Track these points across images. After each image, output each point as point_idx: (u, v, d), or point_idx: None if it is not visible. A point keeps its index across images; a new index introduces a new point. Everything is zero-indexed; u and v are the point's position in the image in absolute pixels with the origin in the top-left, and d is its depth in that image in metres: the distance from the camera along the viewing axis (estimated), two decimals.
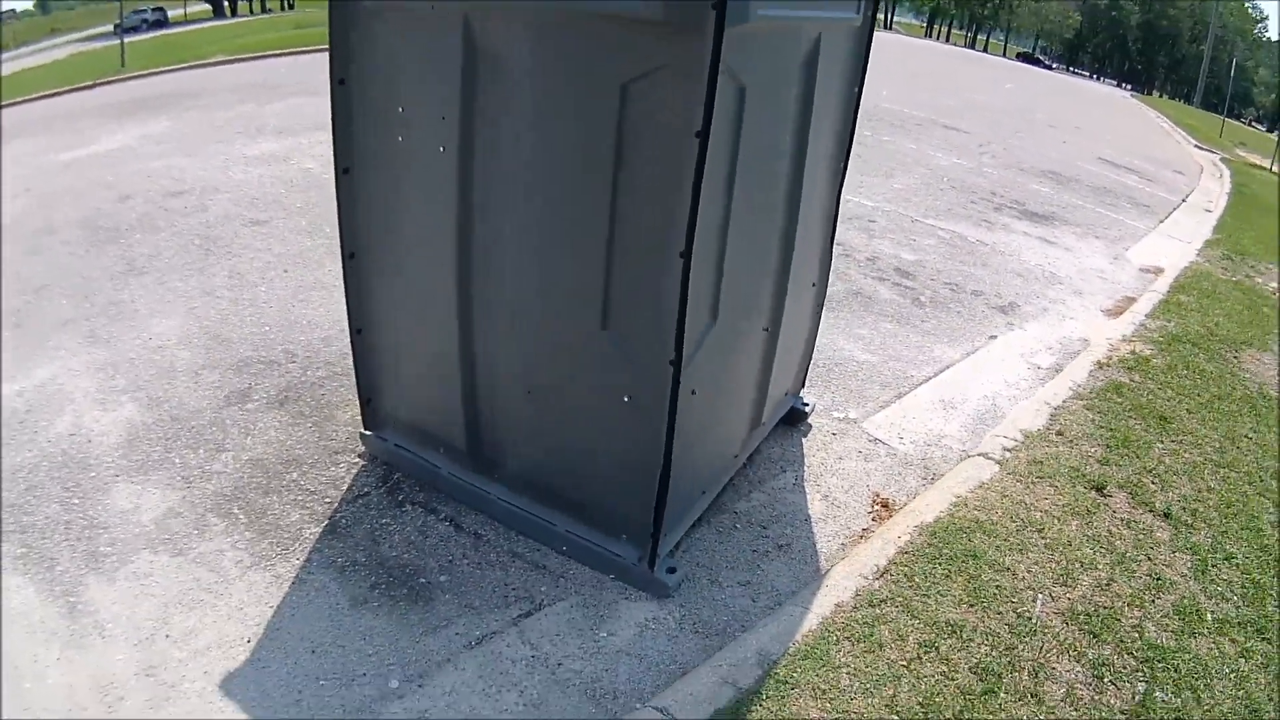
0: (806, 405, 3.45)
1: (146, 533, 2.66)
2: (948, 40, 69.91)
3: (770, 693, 2.11)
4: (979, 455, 3.37)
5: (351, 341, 2.90)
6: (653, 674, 2.24)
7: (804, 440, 3.39)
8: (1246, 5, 74.08)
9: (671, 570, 2.50)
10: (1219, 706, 2.29)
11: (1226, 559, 2.96)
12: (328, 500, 2.83)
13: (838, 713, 2.06)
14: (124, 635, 2.28)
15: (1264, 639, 2.60)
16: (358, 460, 3.05)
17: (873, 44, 3.00)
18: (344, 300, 2.82)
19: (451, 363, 2.62)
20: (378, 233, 2.68)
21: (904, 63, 21.77)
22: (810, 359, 3.50)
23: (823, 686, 2.13)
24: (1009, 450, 3.44)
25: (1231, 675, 2.40)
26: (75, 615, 2.34)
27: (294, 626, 2.31)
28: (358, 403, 3.02)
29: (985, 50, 66.90)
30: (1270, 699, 2.36)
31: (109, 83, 17.76)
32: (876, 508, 3.04)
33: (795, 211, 2.73)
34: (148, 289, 4.54)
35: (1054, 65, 63.21)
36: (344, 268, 2.77)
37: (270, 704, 2.08)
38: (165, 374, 3.64)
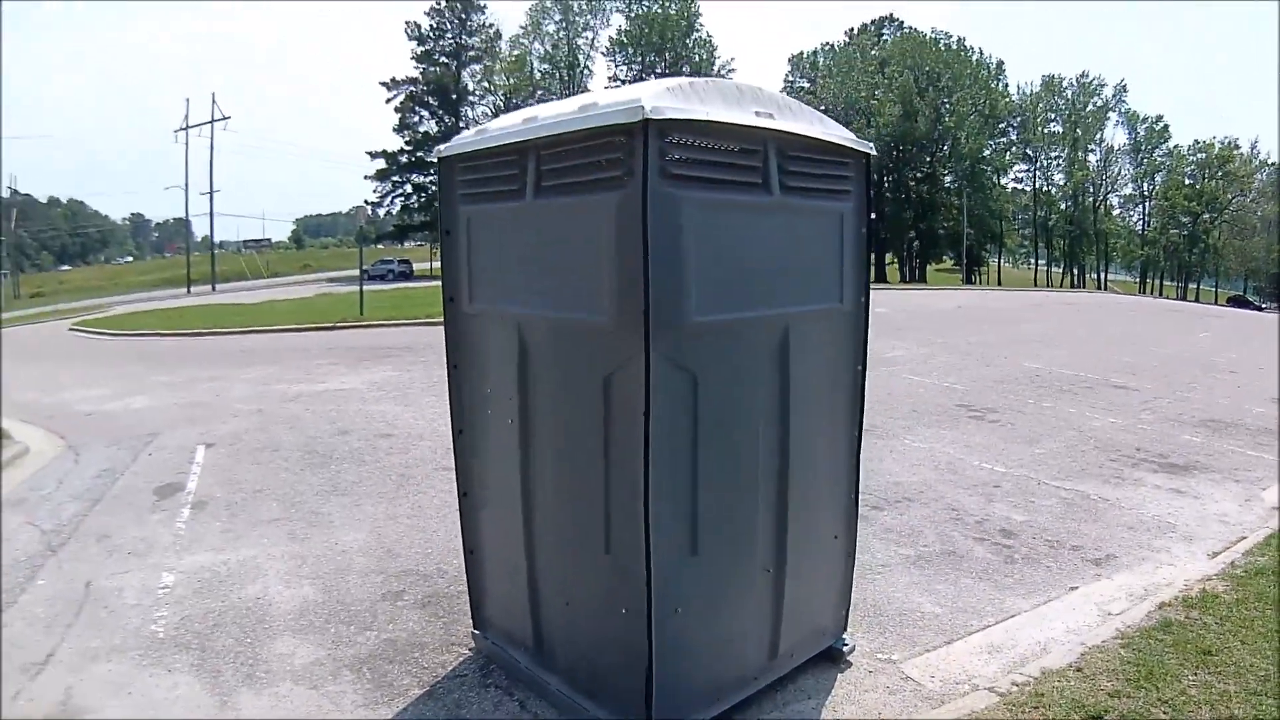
0: (845, 645, 4.40)
1: (294, 671, 4.20)
2: (1160, 294, 71.45)
3: None
4: (986, 689, 4.07)
5: (465, 560, 4.39)
6: None
7: (839, 675, 4.31)
8: None
9: None
10: None
11: None
12: (434, 675, 4.23)
13: None
14: None
15: None
16: (467, 651, 4.46)
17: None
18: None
19: (521, 579, 3.95)
20: (479, 478, 4.18)
21: (1098, 325, 23.84)
22: (848, 605, 4.41)
23: None
24: (1017, 685, 4.09)
25: None
26: (224, 709, 3.89)
27: None
28: None
29: (1196, 299, 68.98)
30: None
31: (348, 327, 23.20)
32: None
33: (784, 477, 3.77)
34: (344, 508, 6.69)
35: (1264, 305, 62.60)
36: (460, 504, 4.30)
37: None
38: (341, 571, 5.46)
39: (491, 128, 4.00)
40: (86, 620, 5.17)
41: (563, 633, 3.93)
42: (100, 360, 20.96)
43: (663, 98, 3.14)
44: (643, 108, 3.00)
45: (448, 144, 4.16)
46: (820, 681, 4.29)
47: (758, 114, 3.47)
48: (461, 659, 4.47)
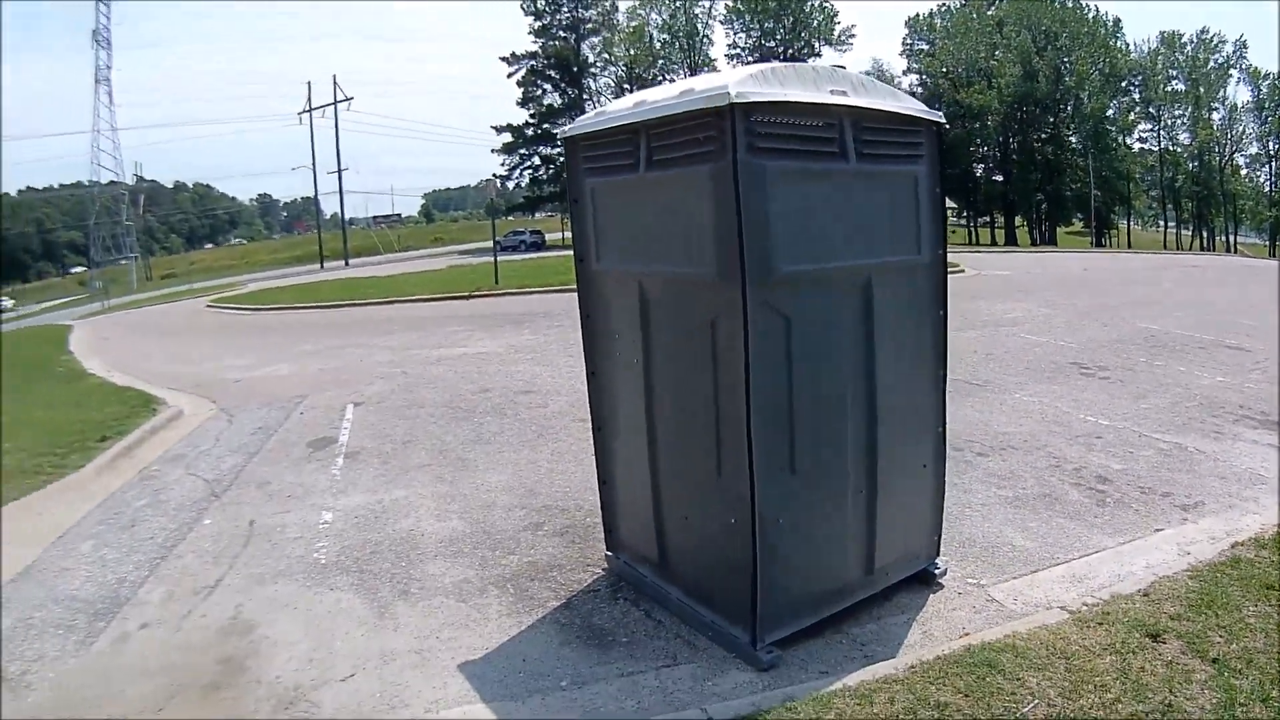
0: (938, 569, 5.02)
1: (444, 587, 5.04)
2: None
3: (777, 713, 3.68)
4: (1058, 607, 4.60)
5: (599, 488, 5.20)
6: (723, 703, 3.89)
7: (931, 595, 4.93)
8: None
9: (769, 653, 4.16)
10: None
11: (1262, 700, 3.73)
12: (570, 590, 5.03)
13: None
14: (410, 632, 4.58)
15: None
16: (600, 571, 5.25)
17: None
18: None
19: (647, 502, 4.71)
20: (610, 414, 4.98)
21: (1220, 287, 23.68)
22: (939, 532, 5.03)
23: (815, 714, 3.66)
24: (1087, 606, 4.61)
25: None
26: (382, 618, 4.75)
27: (517, 647, 4.38)
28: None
29: None
30: None
31: (484, 296, 24.57)
32: (958, 640, 4.37)
33: (872, 409, 4.41)
34: (488, 454, 7.72)
35: None
36: (594, 438, 5.12)
37: (482, 676, 4.14)
38: (486, 506, 6.36)
39: (609, 110, 4.81)
40: (252, 552, 6.31)
41: (682, 548, 4.72)
42: (240, 333, 22.89)
43: (746, 84, 3.84)
44: (728, 93, 3.72)
45: (571, 124, 5.01)
46: (913, 599, 4.95)
47: (832, 92, 4.13)
48: (595, 577, 5.33)
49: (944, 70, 75.13)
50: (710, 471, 4.31)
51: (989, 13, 75.73)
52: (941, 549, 5.17)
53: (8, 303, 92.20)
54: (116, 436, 10.84)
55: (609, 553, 5.40)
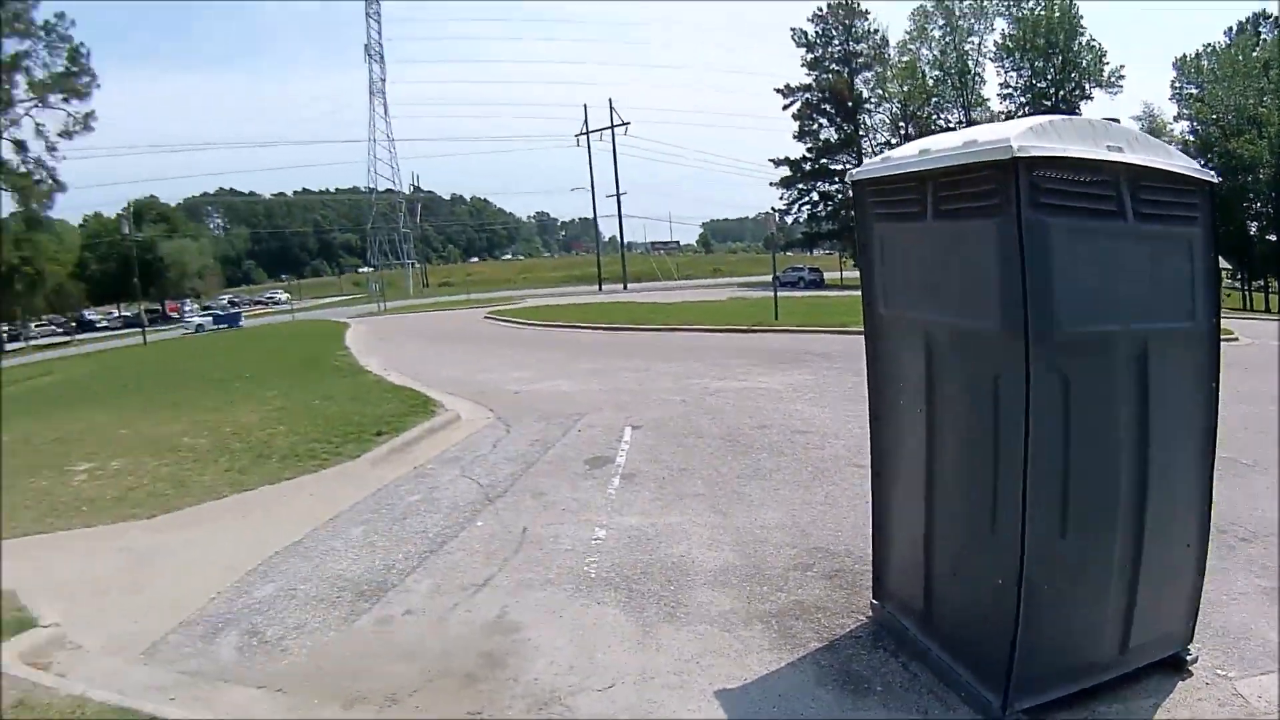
0: (1190, 656, 4.97)
1: (709, 615, 5.71)
2: None
3: None
4: None
5: (872, 533, 5.62)
6: None
7: (1179, 683, 4.89)
8: None
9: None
10: None
11: None
12: (832, 633, 5.49)
13: None
14: (671, 654, 5.29)
15: None
16: (863, 618, 5.66)
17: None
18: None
19: (919, 552, 5.08)
20: (889, 460, 5.40)
21: None
22: (1195, 616, 4.97)
23: None
24: None
25: None
26: (646, 637, 5.51)
27: (774, 682, 4.95)
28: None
29: None
30: None
31: (763, 330, 24.95)
32: None
33: (1142, 481, 4.48)
34: (763, 490, 8.33)
35: None
36: (872, 482, 5.56)
37: (737, 705, 4.73)
38: (758, 542, 6.97)
39: (894, 156, 5.19)
40: (523, 557, 7.11)
41: (946, 602, 5.05)
42: (519, 346, 24.78)
43: (1026, 137, 4.12)
44: (1010, 146, 4.02)
45: (859, 168, 5.45)
46: (1160, 684, 4.95)
47: (1109, 148, 4.33)
48: (858, 624, 5.73)
49: (1214, 116, 69.50)
50: (983, 527, 4.63)
51: (1254, 54, 69.48)
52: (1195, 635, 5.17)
53: (282, 296, 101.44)
54: (393, 433, 12.18)
55: (874, 600, 5.78)
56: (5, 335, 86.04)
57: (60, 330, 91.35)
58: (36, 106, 51.34)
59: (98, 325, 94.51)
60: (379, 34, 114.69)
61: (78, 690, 5.16)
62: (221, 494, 9.56)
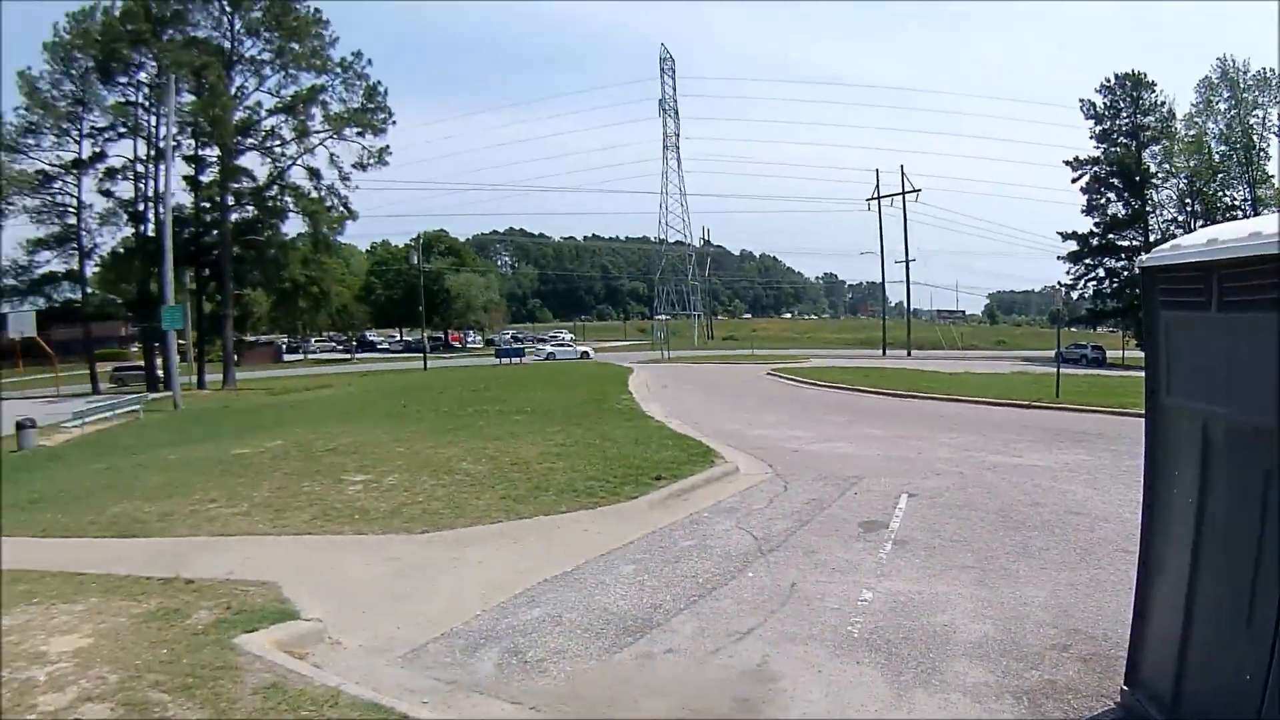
0: None
1: (963, 685, 5.96)
2: None
3: None
4: None
5: (1132, 621, 5.62)
6: None
7: None
8: None
9: None
10: None
11: None
12: (1080, 715, 5.60)
13: None
14: (923, 717, 5.57)
15: None
16: (1113, 703, 5.71)
17: None
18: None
19: (1174, 644, 5.06)
20: (1157, 549, 5.41)
21: None
22: None
23: None
24: None
25: None
26: (899, 699, 5.85)
27: None
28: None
29: None
30: None
31: (1043, 407, 24.36)
32: None
33: None
34: (1030, 568, 8.35)
35: None
36: (1138, 570, 5.59)
37: None
38: (1020, 618, 7.09)
39: (1183, 244, 5.29)
40: (789, 611, 7.46)
41: (1194, 694, 5.06)
42: (800, 405, 25.18)
43: None
44: None
45: (1148, 255, 5.55)
46: None
47: None
48: (1106, 708, 5.80)
49: None
50: (1241, 623, 4.59)
51: None
52: None
53: (567, 336, 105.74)
54: (671, 478, 12.72)
55: (1125, 687, 5.77)
56: (285, 346, 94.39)
57: (340, 348, 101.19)
58: (331, 138, 55.43)
59: (378, 346, 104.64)
60: (674, 90, 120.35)
61: (333, 682, 5.78)
62: (495, 519, 10.41)
